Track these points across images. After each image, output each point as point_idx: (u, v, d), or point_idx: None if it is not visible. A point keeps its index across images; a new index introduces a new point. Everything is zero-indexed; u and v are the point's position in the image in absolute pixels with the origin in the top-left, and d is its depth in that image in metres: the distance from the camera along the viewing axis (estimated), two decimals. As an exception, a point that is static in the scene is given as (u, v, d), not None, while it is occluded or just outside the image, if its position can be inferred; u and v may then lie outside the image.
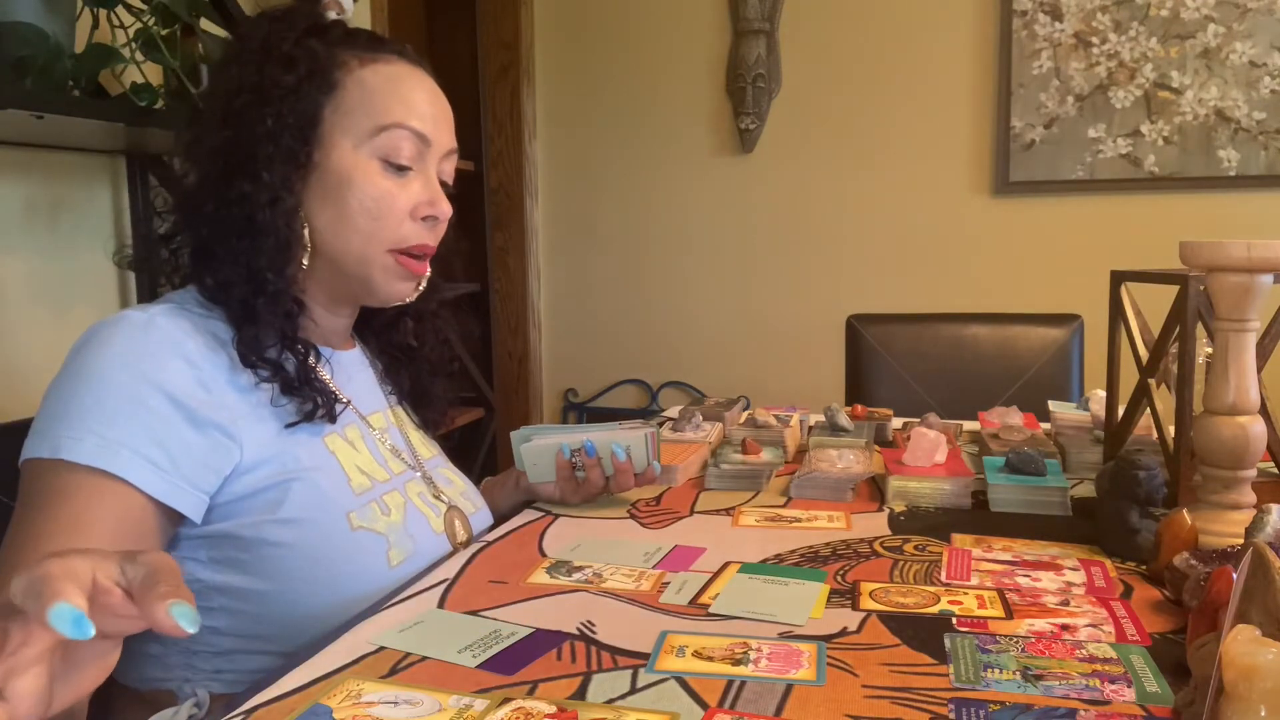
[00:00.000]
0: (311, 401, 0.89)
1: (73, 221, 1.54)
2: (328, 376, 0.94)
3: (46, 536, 0.74)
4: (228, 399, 0.84)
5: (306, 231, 0.90)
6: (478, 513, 1.07)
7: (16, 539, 0.76)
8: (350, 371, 1.00)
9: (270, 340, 0.88)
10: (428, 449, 1.07)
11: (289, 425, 0.87)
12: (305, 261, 0.91)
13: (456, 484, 1.08)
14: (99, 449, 0.76)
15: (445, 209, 0.94)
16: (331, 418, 0.91)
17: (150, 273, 0.95)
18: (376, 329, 1.07)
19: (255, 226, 0.87)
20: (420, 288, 0.98)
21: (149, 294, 0.93)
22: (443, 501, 1.01)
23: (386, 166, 0.91)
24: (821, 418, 1.47)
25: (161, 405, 0.80)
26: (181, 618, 0.49)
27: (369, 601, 0.84)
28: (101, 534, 0.76)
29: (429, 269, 0.97)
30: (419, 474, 1.01)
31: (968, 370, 2.05)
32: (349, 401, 0.96)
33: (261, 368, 0.87)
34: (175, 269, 0.93)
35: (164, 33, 1.41)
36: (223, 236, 0.88)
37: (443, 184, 0.96)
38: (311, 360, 0.92)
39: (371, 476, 0.93)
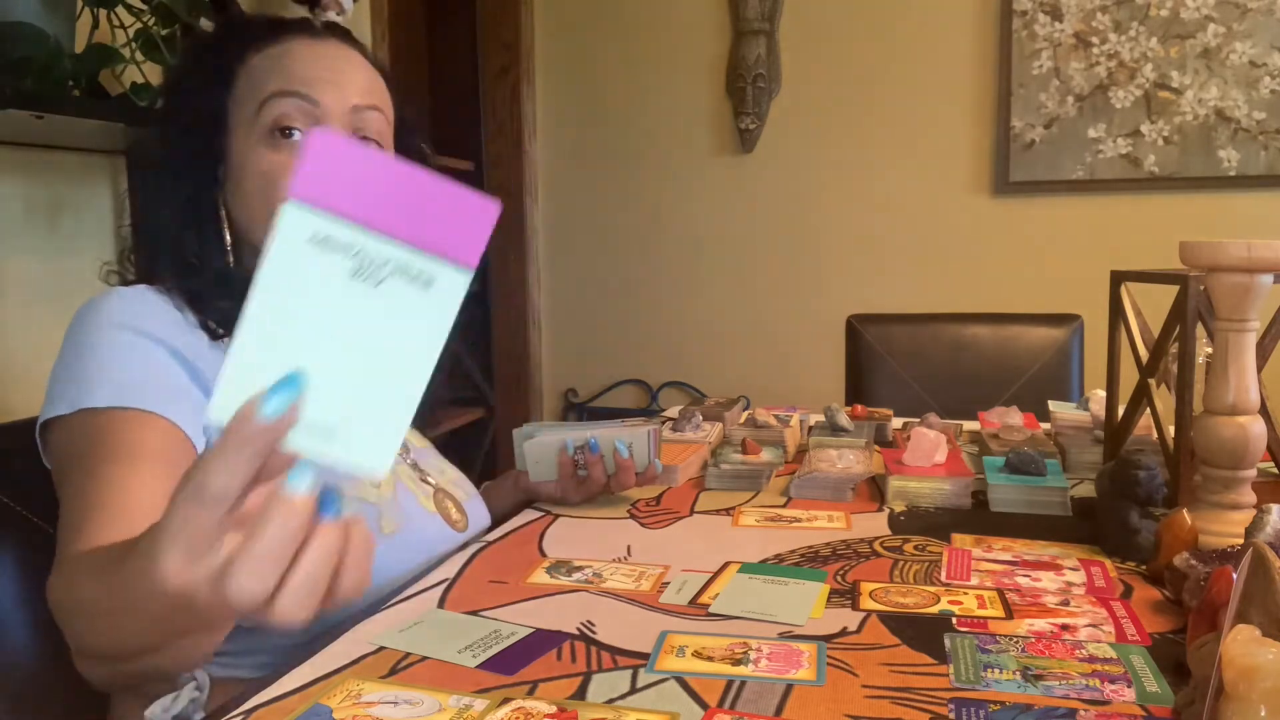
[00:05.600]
0: None
1: (73, 221, 1.54)
2: None
3: (103, 476, 0.75)
4: (216, 363, 0.86)
5: (226, 228, 0.93)
6: (470, 500, 1.08)
7: (77, 486, 0.76)
8: None
9: (233, 315, 0.89)
10: (415, 439, 1.08)
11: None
12: (230, 258, 0.93)
13: (447, 473, 1.08)
14: (116, 394, 0.79)
15: None
16: None
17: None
18: None
19: (177, 224, 0.92)
20: None
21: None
22: (429, 484, 1.03)
23: (275, 139, 0.90)
24: (821, 418, 1.47)
25: (164, 356, 0.83)
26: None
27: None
28: (152, 457, 0.77)
29: None
30: (405, 459, 1.02)
31: (968, 370, 2.04)
32: None
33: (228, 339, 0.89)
34: (133, 274, 0.98)
35: (164, 33, 1.41)
36: (161, 239, 0.93)
37: (367, 138, 0.94)
38: None
39: None
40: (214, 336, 0.89)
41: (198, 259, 0.91)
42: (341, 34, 0.97)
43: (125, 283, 0.98)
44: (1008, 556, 0.93)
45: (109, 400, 0.78)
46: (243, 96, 0.92)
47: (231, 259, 0.93)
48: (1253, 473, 0.92)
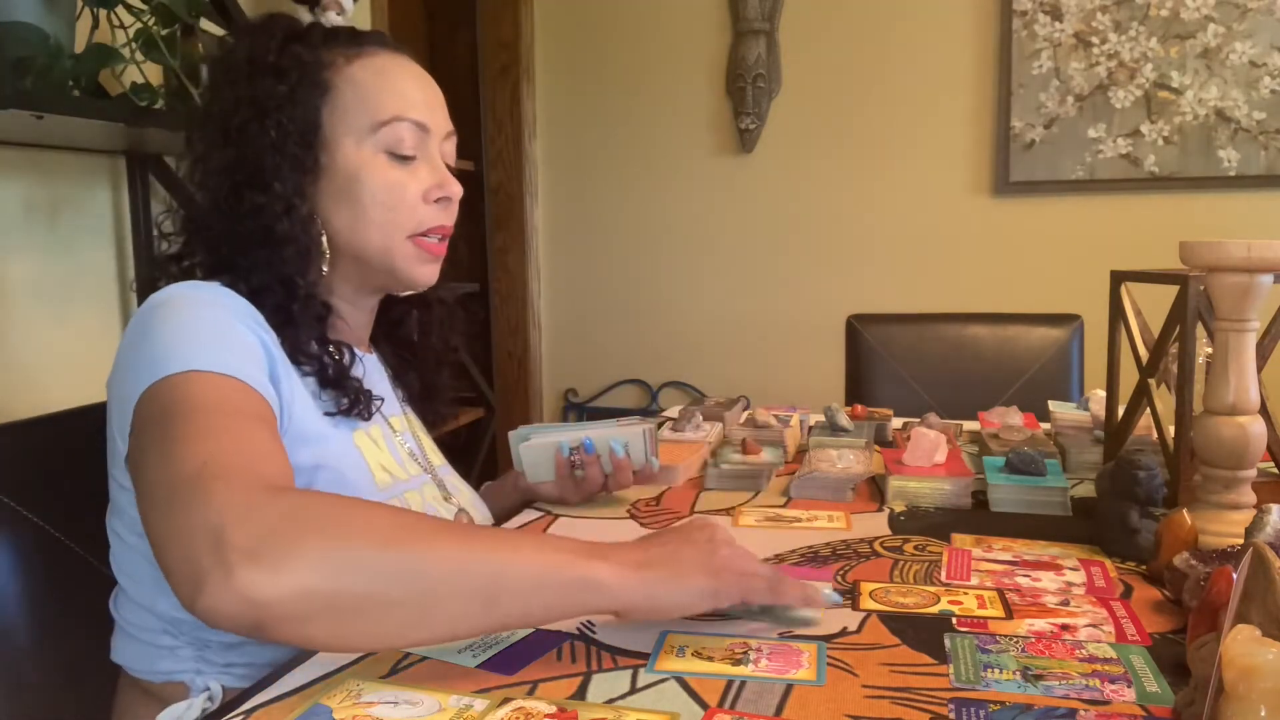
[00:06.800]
0: (349, 397, 0.91)
1: (73, 221, 1.54)
2: (360, 375, 0.96)
3: (237, 425, 0.73)
4: (291, 373, 0.87)
5: (324, 237, 0.92)
6: (482, 520, 1.08)
7: (205, 430, 0.71)
8: (372, 375, 1.01)
9: (308, 340, 0.90)
10: (436, 456, 1.08)
11: (328, 414, 0.90)
12: (325, 267, 0.92)
13: (463, 492, 1.09)
14: (227, 364, 0.77)
15: (456, 189, 0.96)
16: (368, 414, 0.93)
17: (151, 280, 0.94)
18: (386, 327, 1.08)
19: (275, 236, 0.88)
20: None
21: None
22: (453, 504, 1.03)
23: (392, 158, 0.92)
24: (821, 418, 1.47)
25: (256, 344, 0.83)
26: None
27: None
28: (268, 423, 0.77)
29: (444, 251, 0.98)
30: (430, 478, 1.02)
31: (968, 370, 2.04)
32: (382, 400, 0.98)
33: (305, 363, 0.89)
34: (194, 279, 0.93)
35: (164, 33, 1.41)
36: (243, 249, 0.89)
37: (449, 165, 0.98)
38: (346, 360, 0.94)
39: (393, 475, 0.95)
40: (295, 362, 0.88)
41: (301, 276, 0.89)
42: (405, 50, 0.98)
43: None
44: (1008, 556, 0.93)
45: (227, 369, 0.77)
46: (349, 107, 0.91)
47: (325, 270, 0.92)
48: (1253, 473, 0.92)
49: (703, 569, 0.70)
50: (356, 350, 0.97)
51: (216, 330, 0.80)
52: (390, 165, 0.92)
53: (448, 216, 0.96)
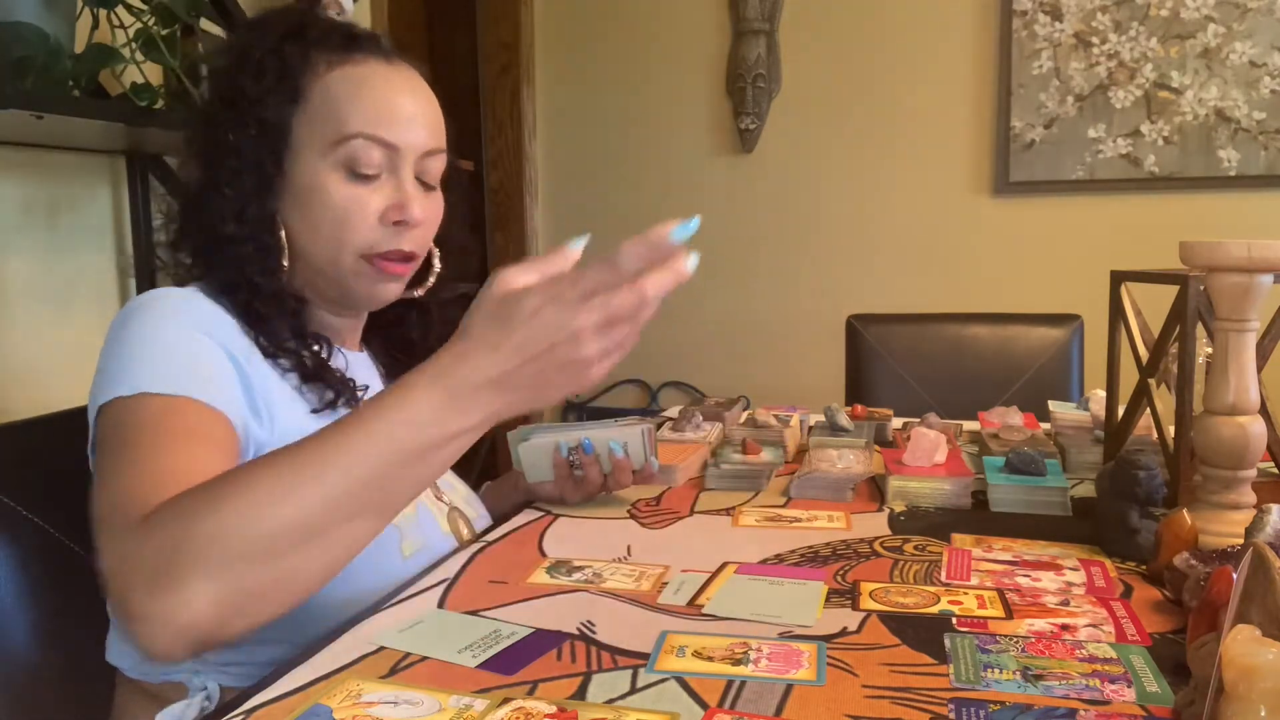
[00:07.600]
0: (332, 390, 0.91)
1: (73, 221, 1.54)
2: (342, 368, 0.95)
3: (175, 451, 0.73)
4: (267, 377, 0.87)
5: (284, 234, 0.91)
6: (478, 518, 1.08)
7: (126, 462, 0.73)
8: (360, 373, 1.00)
9: (284, 334, 0.90)
10: None
11: (314, 411, 0.90)
12: (285, 264, 0.91)
13: (458, 489, 1.08)
14: (175, 382, 0.78)
15: (415, 213, 0.92)
16: (354, 404, 0.93)
17: (151, 276, 0.96)
18: (383, 326, 1.07)
19: (230, 237, 0.89)
20: (407, 287, 0.98)
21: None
22: (444, 503, 1.02)
23: (350, 174, 0.90)
24: (821, 418, 1.47)
25: (219, 355, 0.83)
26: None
27: (382, 592, 0.84)
28: (216, 443, 0.77)
29: (410, 270, 0.96)
30: None
31: (968, 370, 2.04)
32: (367, 387, 0.97)
33: (282, 358, 0.89)
34: (182, 270, 0.94)
35: (164, 33, 1.41)
36: (212, 244, 0.90)
37: (427, 184, 0.95)
38: (325, 353, 0.94)
39: None
40: (267, 355, 0.88)
41: (261, 275, 0.89)
42: (405, 57, 0.96)
43: (175, 279, 0.96)
44: (1008, 556, 0.93)
45: (175, 388, 0.77)
46: (317, 117, 0.90)
47: (286, 276, 0.91)
48: (1253, 473, 0.92)
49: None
50: (342, 349, 0.98)
51: (176, 346, 0.81)
52: (346, 182, 0.90)
53: (406, 241, 0.92)
